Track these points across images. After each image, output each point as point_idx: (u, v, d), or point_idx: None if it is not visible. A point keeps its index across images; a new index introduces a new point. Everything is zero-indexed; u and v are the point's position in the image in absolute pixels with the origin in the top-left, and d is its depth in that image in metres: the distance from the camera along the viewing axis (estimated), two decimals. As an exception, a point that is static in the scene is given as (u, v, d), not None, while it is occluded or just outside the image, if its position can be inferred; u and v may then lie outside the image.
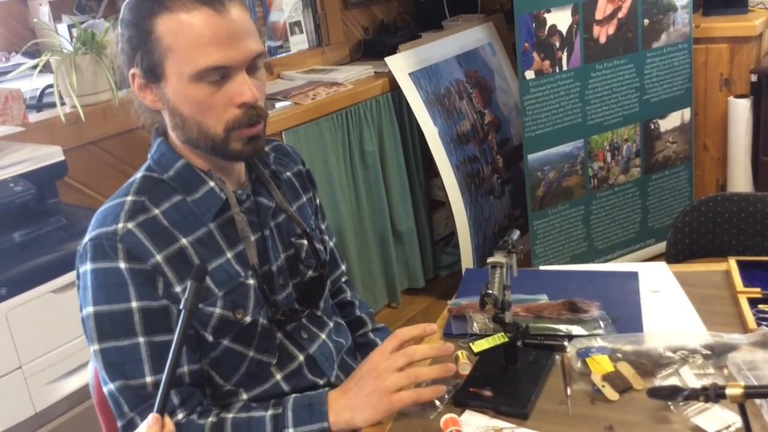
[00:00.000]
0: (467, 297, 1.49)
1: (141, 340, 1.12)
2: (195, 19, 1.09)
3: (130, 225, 1.14)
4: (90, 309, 1.13)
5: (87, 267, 1.14)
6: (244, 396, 1.24)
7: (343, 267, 1.51)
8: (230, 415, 1.16)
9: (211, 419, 1.15)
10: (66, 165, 1.98)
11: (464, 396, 1.20)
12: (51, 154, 1.94)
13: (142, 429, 0.94)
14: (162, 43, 1.11)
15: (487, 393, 1.20)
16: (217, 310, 1.17)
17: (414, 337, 1.18)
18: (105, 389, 1.15)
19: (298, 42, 3.30)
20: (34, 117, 2.31)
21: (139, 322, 1.12)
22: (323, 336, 1.33)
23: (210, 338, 1.18)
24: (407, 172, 3.21)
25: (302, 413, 1.15)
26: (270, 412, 1.16)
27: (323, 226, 1.45)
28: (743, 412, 0.91)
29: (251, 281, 1.21)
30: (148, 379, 1.12)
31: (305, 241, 1.32)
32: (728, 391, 0.91)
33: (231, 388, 1.23)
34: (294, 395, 1.19)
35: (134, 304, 1.12)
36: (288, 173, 1.38)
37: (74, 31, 2.41)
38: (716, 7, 3.25)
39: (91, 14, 2.88)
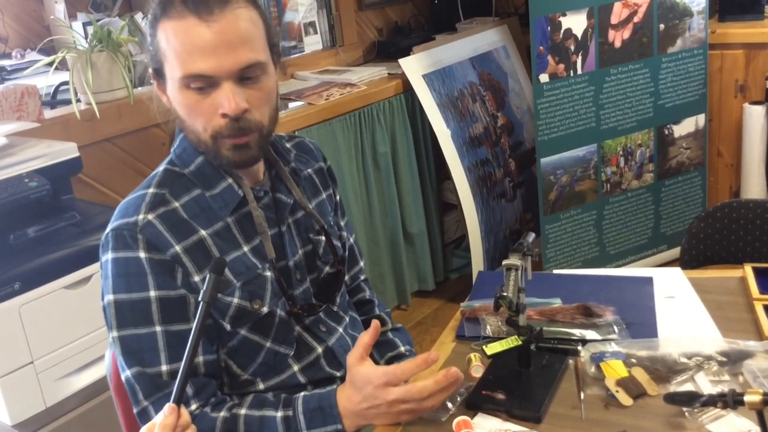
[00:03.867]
0: (480, 299, 1.49)
1: (158, 329, 1.14)
2: (182, 26, 1.11)
3: (150, 216, 1.16)
4: (110, 297, 1.16)
5: (108, 256, 1.17)
6: (261, 386, 1.25)
7: (362, 263, 1.51)
8: (242, 411, 1.17)
9: (223, 414, 1.16)
10: (81, 161, 1.99)
11: (477, 399, 1.20)
12: (66, 151, 1.94)
13: (158, 418, 0.95)
14: (160, 48, 1.15)
15: (500, 396, 1.19)
16: (235, 300, 1.19)
17: (414, 375, 1.15)
18: (122, 376, 1.17)
19: (313, 42, 3.30)
20: (49, 113, 2.32)
21: (156, 311, 1.14)
22: (341, 329, 1.35)
23: (228, 327, 1.20)
24: (419, 173, 3.21)
25: (314, 416, 1.16)
26: (280, 414, 1.16)
27: (342, 223, 1.46)
28: (762, 420, 0.90)
29: (268, 273, 1.23)
30: (164, 367, 1.14)
31: (323, 238, 1.34)
32: (747, 398, 0.90)
33: (248, 377, 1.24)
34: (302, 395, 1.20)
35: (152, 293, 1.14)
36: (308, 170, 1.39)
37: (89, 29, 2.43)
38: (732, 12, 3.23)
39: (106, 12, 2.90)
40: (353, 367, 1.15)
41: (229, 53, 1.11)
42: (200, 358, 1.17)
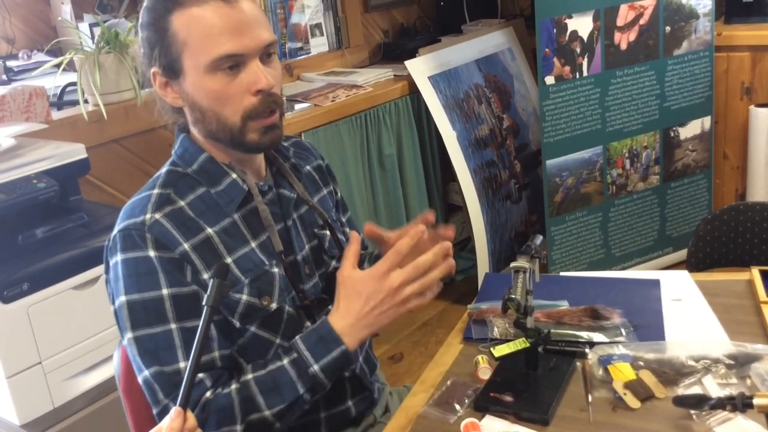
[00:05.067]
0: (487, 301, 1.49)
1: (173, 326, 1.15)
2: (206, 11, 1.14)
3: (157, 215, 1.17)
4: (123, 298, 1.16)
5: (117, 258, 1.17)
6: None
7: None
8: (249, 376, 1.16)
9: (234, 386, 1.16)
10: (88, 162, 1.99)
11: (485, 401, 1.20)
12: (74, 152, 1.95)
13: (164, 422, 0.96)
14: (178, 39, 1.16)
15: (508, 398, 1.19)
16: (244, 297, 1.19)
17: (410, 246, 1.16)
18: (140, 378, 1.17)
19: (319, 44, 3.30)
20: (57, 114, 2.33)
21: (170, 309, 1.15)
22: None
23: (238, 324, 1.20)
24: (425, 175, 3.21)
25: (318, 348, 1.15)
26: (286, 359, 1.16)
27: (344, 219, 1.46)
28: (770, 423, 0.90)
29: (276, 269, 1.23)
30: (182, 364, 1.14)
31: (328, 232, 1.34)
32: (756, 401, 0.90)
33: None
34: (298, 336, 1.19)
35: (165, 291, 1.15)
36: (308, 167, 1.41)
37: (96, 30, 2.43)
38: (738, 15, 3.22)
39: (113, 13, 2.91)
40: (349, 277, 1.16)
41: (254, 31, 1.15)
42: (216, 353, 1.17)
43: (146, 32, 1.20)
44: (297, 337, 1.19)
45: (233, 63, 1.15)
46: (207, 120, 1.20)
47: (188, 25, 1.14)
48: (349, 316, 1.16)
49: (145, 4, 1.20)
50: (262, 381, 1.15)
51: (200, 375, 1.14)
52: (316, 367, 1.15)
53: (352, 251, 1.18)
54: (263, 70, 1.16)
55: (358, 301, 1.15)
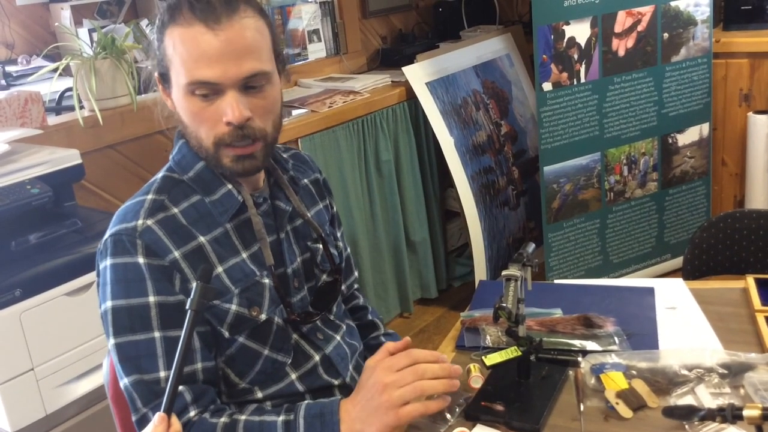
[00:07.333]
0: (480, 309, 1.48)
1: (157, 334, 1.14)
2: (189, 33, 1.12)
3: (149, 222, 1.17)
4: (108, 303, 1.15)
5: (107, 262, 1.17)
6: (260, 394, 1.24)
7: (356, 274, 1.53)
8: (243, 417, 1.16)
9: (223, 419, 1.15)
10: (83, 168, 1.99)
11: (476, 410, 1.19)
12: (68, 157, 1.95)
13: (148, 428, 0.95)
14: (167, 53, 1.16)
15: (499, 407, 1.18)
16: (233, 307, 1.19)
17: (427, 361, 1.13)
18: (121, 384, 1.17)
19: (316, 50, 3.31)
20: (52, 120, 2.33)
21: (155, 317, 1.14)
22: (338, 338, 1.34)
23: (226, 334, 1.19)
24: (422, 181, 3.21)
25: (314, 422, 1.14)
26: (282, 418, 1.15)
27: (338, 234, 1.46)
28: (760, 434, 0.89)
29: (266, 281, 1.23)
30: (162, 374, 1.14)
31: (320, 246, 1.34)
32: (746, 413, 0.90)
33: (246, 386, 1.24)
34: (306, 402, 1.19)
35: (151, 299, 1.14)
36: (305, 180, 1.40)
37: (95, 36, 2.43)
38: (737, 21, 3.22)
39: (112, 19, 2.91)
40: (367, 368, 1.13)
41: (234, 62, 1.12)
42: (198, 365, 1.16)
43: (154, 36, 1.21)
44: (304, 402, 1.17)
45: (208, 91, 1.13)
46: (188, 135, 1.20)
47: (174, 44, 1.14)
48: (352, 409, 1.13)
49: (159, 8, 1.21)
50: (250, 427, 1.14)
51: (180, 387, 1.13)
52: None
53: (385, 348, 1.14)
54: (236, 103, 1.12)
55: (360, 393, 1.12)
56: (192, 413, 1.14)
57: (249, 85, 1.14)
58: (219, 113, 1.14)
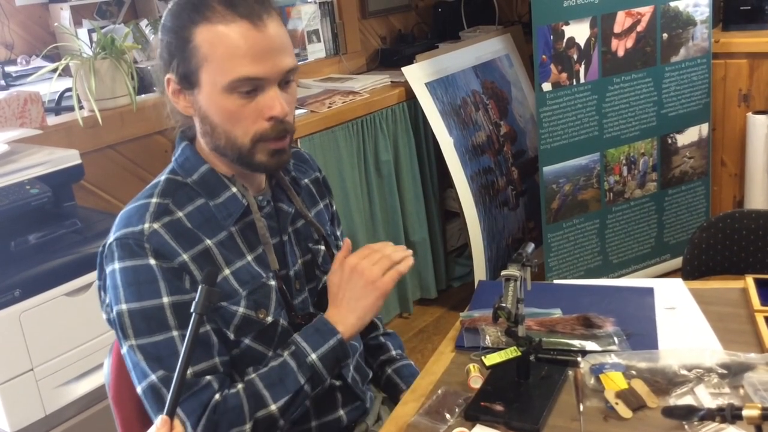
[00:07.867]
0: (480, 309, 1.48)
1: (175, 333, 1.14)
2: (233, 31, 1.12)
3: (156, 225, 1.16)
4: (123, 307, 1.15)
5: (115, 266, 1.16)
6: None
7: None
8: (253, 374, 1.18)
9: (240, 385, 1.17)
10: (82, 168, 1.99)
11: (475, 410, 1.19)
12: (68, 158, 1.95)
13: (151, 431, 0.95)
14: (199, 53, 1.14)
15: (499, 408, 1.18)
16: (241, 309, 1.19)
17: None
18: (144, 383, 1.15)
19: (316, 50, 3.31)
20: (52, 120, 2.33)
21: (171, 317, 1.14)
22: None
23: (232, 336, 1.20)
24: (422, 182, 3.21)
25: (314, 338, 1.19)
26: (286, 353, 1.19)
27: (338, 233, 1.46)
28: (760, 434, 0.89)
29: (272, 282, 1.23)
30: (188, 369, 1.13)
31: (322, 247, 1.34)
32: (745, 413, 0.90)
33: None
34: (296, 333, 1.22)
35: (165, 300, 1.14)
36: (306, 180, 1.41)
37: (94, 36, 2.43)
38: (736, 22, 3.22)
39: (111, 19, 2.91)
40: (333, 274, 1.24)
41: (277, 57, 1.14)
42: (216, 360, 1.17)
43: (167, 37, 1.18)
44: (295, 334, 1.21)
45: (251, 87, 1.14)
46: (216, 135, 1.19)
47: (212, 41, 1.13)
48: (334, 308, 1.21)
49: (169, 6, 1.19)
50: (266, 376, 1.17)
51: (207, 377, 1.14)
52: (314, 356, 1.18)
53: (340, 256, 1.25)
54: (280, 98, 1.15)
55: (338, 292, 1.22)
56: (217, 396, 1.15)
57: (285, 80, 1.17)
58: (259, 109, 1.15)
